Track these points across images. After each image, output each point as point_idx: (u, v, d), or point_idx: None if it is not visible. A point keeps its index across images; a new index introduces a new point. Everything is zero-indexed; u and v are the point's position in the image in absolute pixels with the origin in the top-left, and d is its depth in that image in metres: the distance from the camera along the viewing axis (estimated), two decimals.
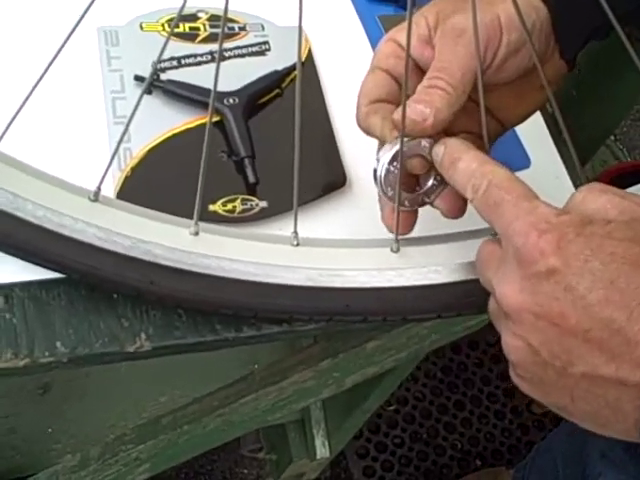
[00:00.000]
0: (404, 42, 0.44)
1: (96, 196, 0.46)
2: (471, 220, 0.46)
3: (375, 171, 0.46)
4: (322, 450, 1.07)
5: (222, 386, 0.74)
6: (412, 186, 0.47)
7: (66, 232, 0.45)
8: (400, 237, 0.47)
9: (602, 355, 0.35)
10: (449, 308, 0.49)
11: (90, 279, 0.47)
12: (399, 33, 0.48)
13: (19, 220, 0.44)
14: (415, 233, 0.49)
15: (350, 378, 0.75)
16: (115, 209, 0.47)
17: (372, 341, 0.68)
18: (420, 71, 0.47)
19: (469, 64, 0.45)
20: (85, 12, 0.40)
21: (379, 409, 1.31)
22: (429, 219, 0.49)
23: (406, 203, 0.47)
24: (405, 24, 0.42)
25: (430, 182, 0.46)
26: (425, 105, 0.44)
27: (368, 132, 0.47)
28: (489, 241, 0.43)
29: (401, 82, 0.47)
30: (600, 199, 0.39)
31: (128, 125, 0.44)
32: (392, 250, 0.48)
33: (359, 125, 0.48)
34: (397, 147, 0.45)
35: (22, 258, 0.46)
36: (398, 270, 0.47)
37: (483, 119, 0.45)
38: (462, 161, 0.43)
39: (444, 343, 0.73)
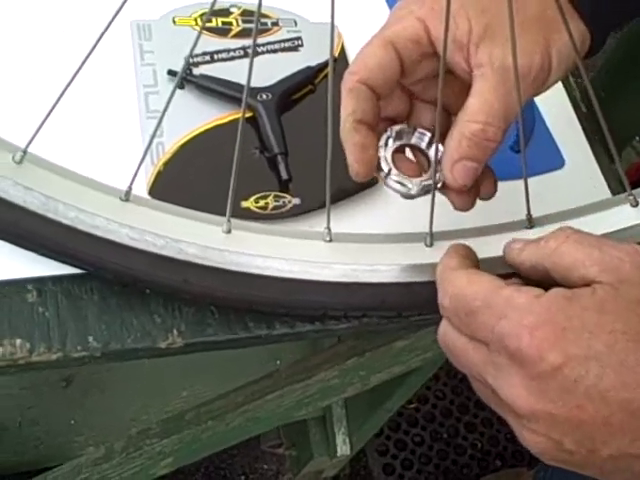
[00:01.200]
0: (434, 29, 0.42)
1: (127, 196, 0.46)
2: (505, 213, 0.46)
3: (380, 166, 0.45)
4: (343, 448, 1.07)
5: (247, 382, 0.74)
6: (417, 172, 0.46)
7: (99, 233, 0.45)
8: (435, 231, 0.47)
9: (625, 436, 0.34)
10: None
11: (124, 279, 0.47)
12: (431, 15, 0.43)
13: (51, 222, 0.44)
14: (449, 226, 0.48)
15: (375, 377, 0.74)
16: (147, 208, 0.47)
17: (399, 341, 0.68)
18: (431, 65, 0.44)
19: (517, 108, 0.43)
20: (120, 7, 0.39)
21: (399, 407, 1.31)
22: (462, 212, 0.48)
23: (396, 183, 0.45)
24: (440, 14, 0.40)
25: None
26: (479, 162, 0.43)
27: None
28: (456, 335, 0.40)
29: (406, 69, 0.44)
30: (577, 253, 0.38)
31: (161, 120, 0.44)
32: (426, 244, 0.47)
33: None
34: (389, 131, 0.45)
35: (55, 259, 0.46)
36: (433, 264, 0.47)
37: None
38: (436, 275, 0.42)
39: None
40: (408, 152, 0.47)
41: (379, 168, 0.45)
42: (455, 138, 0.43)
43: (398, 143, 0.46)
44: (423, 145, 0.46)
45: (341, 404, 1.05)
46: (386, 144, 0.45)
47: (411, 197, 0.45)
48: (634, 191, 0.46)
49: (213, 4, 0.41)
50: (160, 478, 1.21)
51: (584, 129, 0.63)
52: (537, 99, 0.64)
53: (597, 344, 0.34)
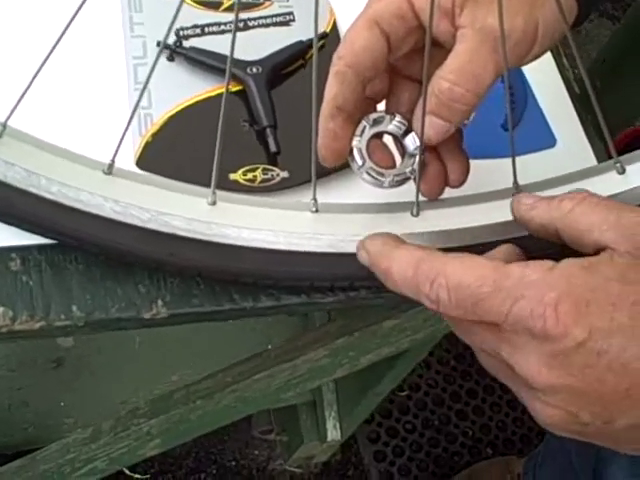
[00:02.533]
0: (418, 0, 0.42)
1: (110, 169, 0.45)
2: (488, 181, 0.45)
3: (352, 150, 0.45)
4: (333, 433, 1.07)
5: (236, 362, 0.74)
6: (391, 162, 0.46)
7: (82, 207, 0.44)
8: (421, 200, 0.47)
9: None
10: None
11: (108, 253, 0.46)
12: None
13: (34, 196, 0.44)
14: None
15: (365, 358, 0.74)
16: (131, 181, 0.46)
17: (388, 320, 0.67)
18: (415, 38, 0.43)
19: (498, 73, 0.42)
20: None
21: (391, 394, 1.31)
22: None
23: (370, 174, 0.45)
24: None
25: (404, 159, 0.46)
26: (445, 120, 0.42)
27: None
28: (479, 327, 0.37)
29: (392, 46, 0.43)
30: (593, 215, 0.37)
31: (144, 90, 0.43)
32: (412, 214, 0.47)
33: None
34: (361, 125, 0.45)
35: (39, 234, 0.46)
36: (419, 234, 0.46)
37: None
38: (393, 270, 0.39)
39: None
40: (386, 139, 0.46)
41: (352, 159, 0.45)
42: (429, 93, 0.42)
43: (374, 130, 0.45)
44: (400, 133, 0.46)
45: (332, 388, 1.05)
46: (362, 133, 0.45)
47: (383, 188, 0.45)
48: (621, 158, 0.45)
49: None
50: (151, 463, 1.22)
51: (576, 108, 0.62)
52: (530, 78, 0.64)
53: (621, 316, 0.33)
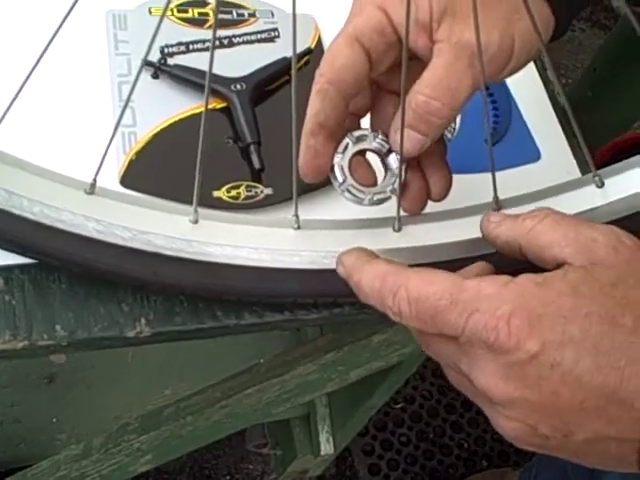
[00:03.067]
0: (396, 14, 0.42)
1: (92, 188, 0.45)
2: (472, 196, 0.46)
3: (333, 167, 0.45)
4: (326, 446, 1.06)
5: (225, 377, 0.74)
6: (372, 180, 0.46)
7: (64, 227, 0.44)
8: (402, 215, 0.47)
9: (600, 420, 0.34)
10: None
11: (91, 272, 0.46)
12: (390, 1, 0.42)
13: (16, 218, 0.44)
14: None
15: (354, 372, 0.74)
16: (113, 200, 0.46)
17: (377, 335, 0.67)
18: (396, 52, 0.43)
19: (474, 88, 0.42)
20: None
21: (386, 407, 1.31)
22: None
23: (351, 192, 0.45)
24: None
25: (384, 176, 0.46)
26: (422, 134, 0.42)
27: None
28: (440, 339, 0.38)
29: (373, 62, 0.43)
30: (553, 233, 0.37)
31: (125, 106, 0.43)
32: (394, 229, 0.47)
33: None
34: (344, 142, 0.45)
35: (22, 255, 0.46)
36: (401, 249, 0.46)
37: None
38: (362, 283, 0.40)
39: None
40: (371, 156, 0.47)
41: (333, 175, 0.45)
42: (413, 104, 0.42)
43: (357, 148, 0.45)
44: (383, 151, 0.46)
45: (325, 402, 1.04)
46: (344, 150, 0.45)
47: (363, 206, 0.46)
48: (600, 171, 0.45)
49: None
50: (145, 478, 1.22)
51: (561, 122, 0.63)
52: (514, 92, 0.64)
53: (572, 328, 0.34)
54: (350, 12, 0.45)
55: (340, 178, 0.45)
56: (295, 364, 0.71)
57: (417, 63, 0.43)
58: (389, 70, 0.45)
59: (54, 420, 1.03)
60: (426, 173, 0.46)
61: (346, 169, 0.45)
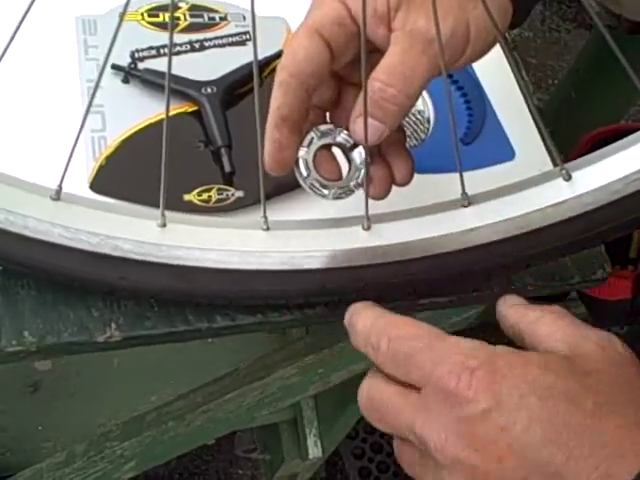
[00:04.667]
0: (355, 5, 0.42)
1: (58, 195, 0.45)
2: (447, 194, 0.46)
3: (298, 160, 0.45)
4: (314, 450, 1.06)
5: (206, 382, 0.73)
6: (337, 174, 0.46)
7: (30, 233, 0.44)
8: (371, 214, 0.47)
9: None
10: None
11: (59, 279, 0.46)
12: None
13: None
14: (386, 209, 0.48)
15: (335, 375, 0.74)
16: (79, 206, 0.46)
17: None
18: (357, 44, 0.43)
19: (429, 75, 0.43)
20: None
21: None
22: (397, 197, 0.48)
23: (315, 186, 0.46)
24: None
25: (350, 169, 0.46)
26: (379, 121, 0.43)
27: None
28: (384, 383, 0.38)
29: (335, 53, 0.43)
30: (553, 325, 0.38)
31: (88, 110, 0.43)
32: (363, 228, 0.47)
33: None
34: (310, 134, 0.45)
35: None
36: (370, 248, 0.46)
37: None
38: (358, 322, 0.41)
39: None
40: (335, 150, 0.47)
41: (298, 169, 0.45)
42: (362, 95, 0.43)
43: (322, 142, 0.45)
44: (348, 146, 0.46)
45: (311, 406, 1.04)
46: (309, 144, 0.45)
47: (327, 200, 0.46)
48: (567, 165, 0.45)
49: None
50: None
51: (535, 121, 0.63)
52: (488, 90, 0.64)
53: (531, 397, 0.34)
54: (310, 5, 0.45)
55: (304, 172, 0.45)
56: (275, 367, 0.71)
57: (379, 55, 0.43)
58: (351, 63, 0.45)
59: (39, 428, 1.02)
60: (389, 161, 0.47)
61: (310, 163, 0.45)
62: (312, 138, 0.45)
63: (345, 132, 0.46)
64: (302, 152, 0.45)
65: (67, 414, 1.03)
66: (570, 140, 1.17)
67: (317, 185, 0.45)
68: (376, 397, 0.39)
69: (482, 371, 0.35)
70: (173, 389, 1.05)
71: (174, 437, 0.77)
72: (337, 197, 0.46)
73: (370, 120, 0.42)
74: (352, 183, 0.46)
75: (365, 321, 0.40)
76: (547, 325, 0.38)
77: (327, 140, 0.46)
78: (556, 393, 0.34)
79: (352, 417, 1.00)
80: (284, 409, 0.91)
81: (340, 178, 0.46)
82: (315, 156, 0.45)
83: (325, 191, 0.45)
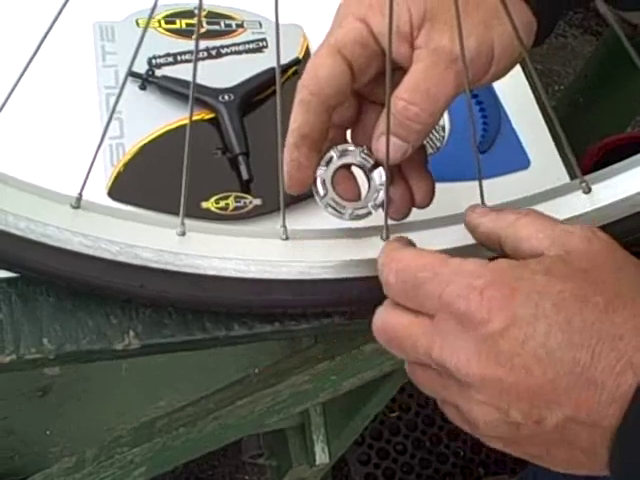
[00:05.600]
0: (377, 25, 0.42)
1: (78, 202, 0.45)
2: (463, 204, 0.46)
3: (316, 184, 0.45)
4: (322, 456, 1.06)
5: (218, 389, 0.73)
6: (355, 194, 0.46)
7: (50, 242, 0.44)
8: (390, 224, 0.47)
9: (571, 402, 0.34)
10: None
11: (79, 287, 0.46)
12: (370, 12, 0.42)
13: (2, 233, 0.43)
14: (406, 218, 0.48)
15: (347, 382, 0.74)
16: (99, 214, 0.46)
17: (369, 344, 0.67)
18: (378, 63, 0.44)
19: (454, 93, 0.43)
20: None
21: (381, 415, 1.30)
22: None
23: (331, 206, 0.45)
24: (380, 8, 0.39)
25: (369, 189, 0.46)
26: (402, 140, 0.43)
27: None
28: (398, 314, 0.39)
29: (356, 73, 0.43)
30: (532, 226, 0.39)
31: (111, 117, 0.43)
32: (382, 238, 0.47)
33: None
34: (328, 155, 0.45)
35: (9, 270, 0.46)
36: None
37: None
38: (379, 262, 0.42)
39: None
40: (355, 170, 0.46)
41: (315, 188, 0.45)
42: (384, 113, 0.43)
43: (342, 162, 0.45)
44: (368, 166, 0.45)
45: (319, 412, 1.04)
46: (328, 163, 0.45)
47: (344, 220, 0.46)
48: (586, 177, 0.45)
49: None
50: None
51: (550, 129, 0.63)
52: (503, 99, 0.64)
53: (545, 303, 0.35)
54: (332, 24, 0.45)
55: (322, 191, 0.45)
56: (287, 374, 0.70)
57: (400, 73, 0.43)
58: (372, 81, 0.45)
59: (47, 433, 1.02)
60: (409, 181, 0.46)
61: (328, 183, 0.45)
62: (331, 157, 0.45)
63: (365, 152, 0.45)
64: (320, 171, 0.45)
65: (75, 419, 1.03)
66: (577, 146, 1.17)
67: (334, 205, 0.45)
68: (390, 327, 0.40)
69: (491, 289, 0.35)
70: (181, 394, 1.05)
71: (184, 443, 0.77)
72: (354, 218, 0.45)
73: (393, 138, 0.42)
74: (370, 204, 0.45)
75: (381, 259, 0.41)
76: (526, 227, 0.39)
77: (347, 160, 0.45)
78: (568, 296, 0.35)
79: (360, 423, 1.00)
80: (292, 415, 0.91)
81: (358, 198, 0.46)
82: (334, 175, 0.45)
83: (342, 211, 0.45)
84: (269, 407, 0.74)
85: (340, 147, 0.45)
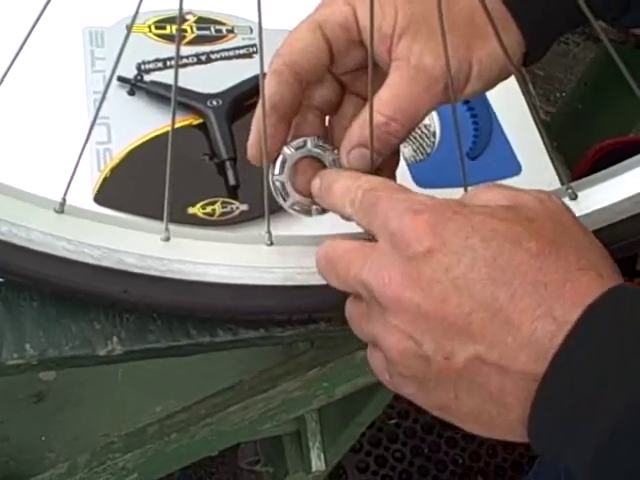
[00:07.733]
0: (362, 17, 0.42)
1: (62, 207, 0.45)
2: None
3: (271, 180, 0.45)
4: (318, 463, 1.05)
5: (209, 395, 0.73)
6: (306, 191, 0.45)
7: (34, 246, 0.44)
8: None
9: (484, 340, 0.33)
10: None
11: (61, 291, 0.46)
12: (360, 1, 0.42)
13: None
14: None
15: (340, 388, 0.73)
16: (83, 219, 0.45)
17: (360, 350, 0.67)
18: (358, 54, 0.43)
19: (431, 110, 0.43)
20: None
21: (380, 422, 1.30)
22: None
23: (296, 207, 0.46)
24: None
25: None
26: (376, 152, 0.43)
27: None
28: (344, 240, 0.40)
29: (335, 55, 0.43)
30: (492, 192, 0.38)
31: (94, 122, 0.43)
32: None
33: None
34: (282, 155, 0.44)
35: None
36: None
37: None
38: (337, 183, 0.42)
39: None
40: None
41: (278, 196, 0.45)
42: (359, 123, 0.42)
43: (298, 156, 0.45)
44: (326, 156, 0.45)
45: (315, 418, 1.04)
46: (283, 167, 0.44)
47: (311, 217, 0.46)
48: (573, 184, 0.45)
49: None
50: None
51: (541, 136, 0.62)
52: (495, 106, 0.64)
53: (475, 237, 0.34)
54: (318, 4, 0.44)
55: (284, 198, 0.45)
56: (279, 381, 0.70)
57: (383, 73, 0.43)
58: (353, 71, 0.45)
59: (43, 438, 1.02)
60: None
61: (288, 186, 0.45)
62: (284, 160, 0.44)
63: (319, 142, 0.45)
64: (278, 177, 0.45)
65: (71, 424, 1.03)
66: (577, 153, 1.17)
67: (298, 207, 0.45)
68: (330, 254, 0.40)
69: (426, 214, 0.35)
70: (178, 400, 1.05)
71: (177, 449, 0.77)
72: (321, 212, 0.45)
73: (366, 151, 0.42)
74: None
75: (345, 181, 0.41)
76: (486, 193, 0.38)
77: (301, 154, 0.45)
78: (500, 235, 0.34)
79: (356, 430, 1.00)
80: (288, 422, 0.91)
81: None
82: (290, 177, 0.45)
83: (307, 209, 0.45)
84: (261, 413, 0.74)
85: (292, 143, 0.45)
